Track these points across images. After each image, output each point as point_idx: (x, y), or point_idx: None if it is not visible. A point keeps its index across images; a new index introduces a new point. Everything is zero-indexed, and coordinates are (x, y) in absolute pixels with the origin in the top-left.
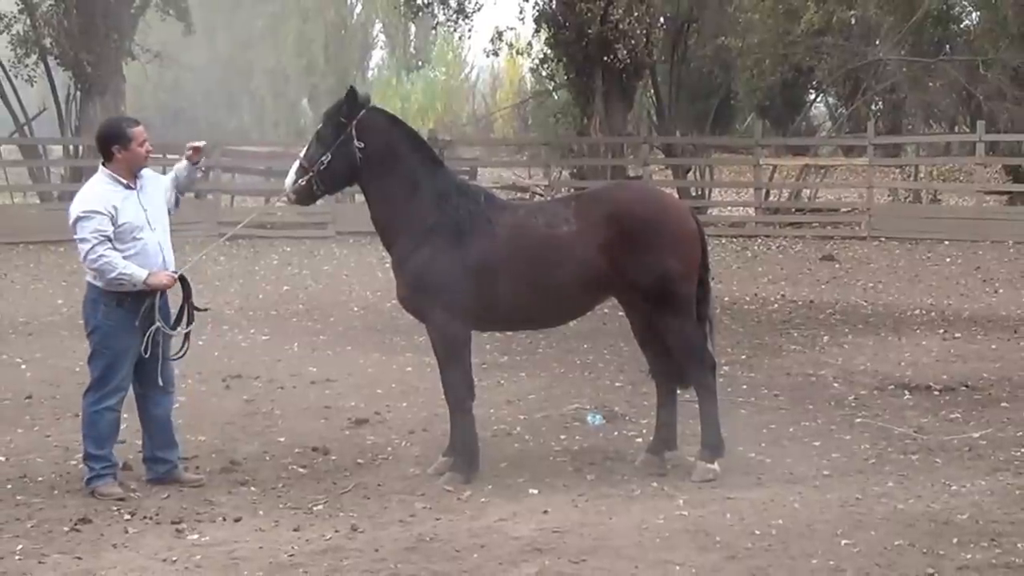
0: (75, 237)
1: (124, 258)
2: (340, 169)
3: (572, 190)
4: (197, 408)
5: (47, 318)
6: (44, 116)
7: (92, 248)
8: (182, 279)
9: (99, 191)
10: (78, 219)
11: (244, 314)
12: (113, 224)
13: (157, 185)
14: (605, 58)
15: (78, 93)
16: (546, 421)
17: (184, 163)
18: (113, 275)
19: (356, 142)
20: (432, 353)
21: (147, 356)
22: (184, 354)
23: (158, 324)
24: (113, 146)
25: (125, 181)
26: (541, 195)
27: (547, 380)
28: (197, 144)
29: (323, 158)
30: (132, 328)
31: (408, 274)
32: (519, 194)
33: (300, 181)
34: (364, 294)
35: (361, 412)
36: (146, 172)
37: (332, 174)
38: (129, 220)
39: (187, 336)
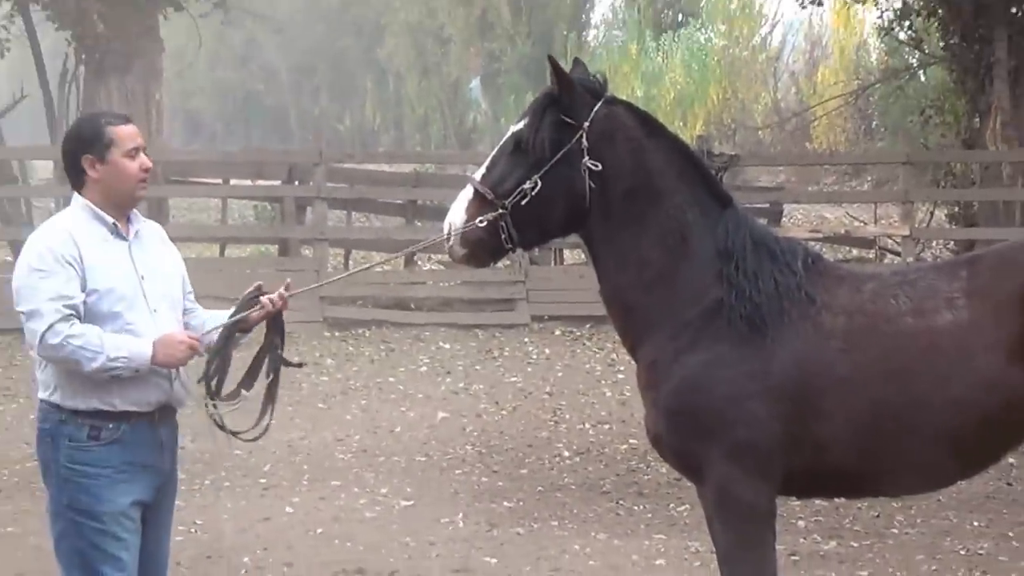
0: (19, 310)
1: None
2: (554, 206)
3: (952, 245)
4: None
5: (25, 464)
6: (22, 109)
7: (51, 328)
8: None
9: (64, 230)
10: (28, 277)
11: (370, 461)
12: (83, 287)
13: (163, 244)
14: (1014, 9)
15: (81, 69)
16: None
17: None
18: (97, 364)
19: (587, 160)
20: (704, 534)
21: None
22: (263, 433)
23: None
24: (84, 156)
25: (110, 219)
26: (897, 254)
27: None
28: (279, 294)
29: (525, 184)
30: (128, 472)
31: (668, 394)
32: (858, 251)
33: (479, 223)
34: (581, 427)
35: None
36: (148, 221)
37: (539, 214)
38: (112, 285)
39: (269, 399)
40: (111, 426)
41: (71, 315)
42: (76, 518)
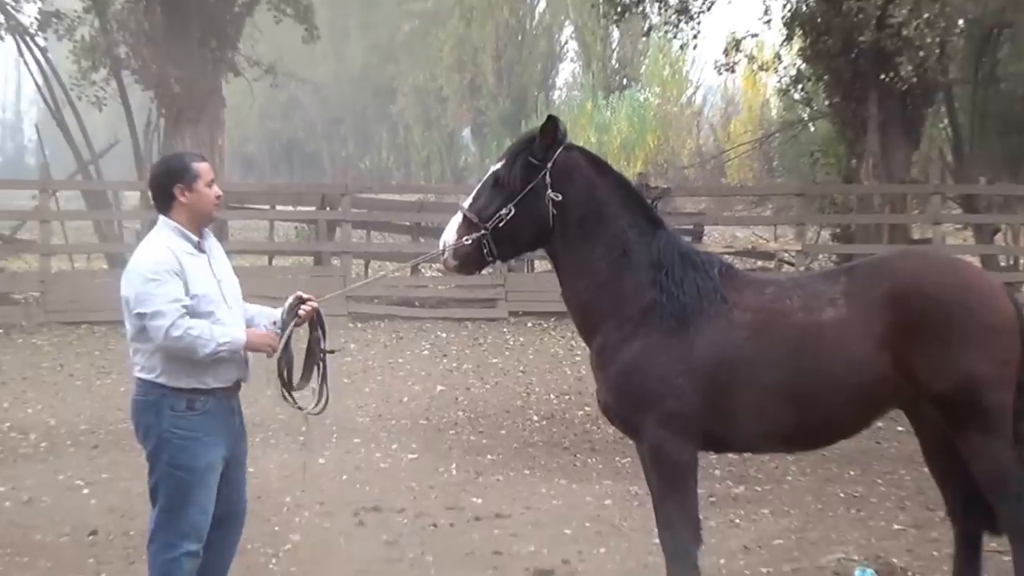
0: (140, 311)
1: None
2: (525, 227)
3: (835, 258)
4: (319, 552)
5: (118, 425)
6: (116, 151)
7: (174, 323)
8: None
9: (165, 247)
10: (144, 285)
11: (383, 423)
12: (186, 292)
13: (223, 255)
14: (883, 76)
15: (161, 120)
16: None
17: (271, 316)
18: (208, 349)
19: (551, 192)
20: (641, 480)
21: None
22: (325, 407)
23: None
24: (175, 185)
25: (195, 237)
26: (792, 264)
27: (799, 520)
28: (311, 304)
29: (502, 211)
30: (214, 435)
31: (614, 373)
32: (761, 263)
33: (465, 241)
34: (547, 397)
35: (544, 560)
36: (212, 237)
37: (513, 234)
38: (204, 290)
39: (323, 380)
40: (202, 399)
41: (186, 313)
42: (173, 471)
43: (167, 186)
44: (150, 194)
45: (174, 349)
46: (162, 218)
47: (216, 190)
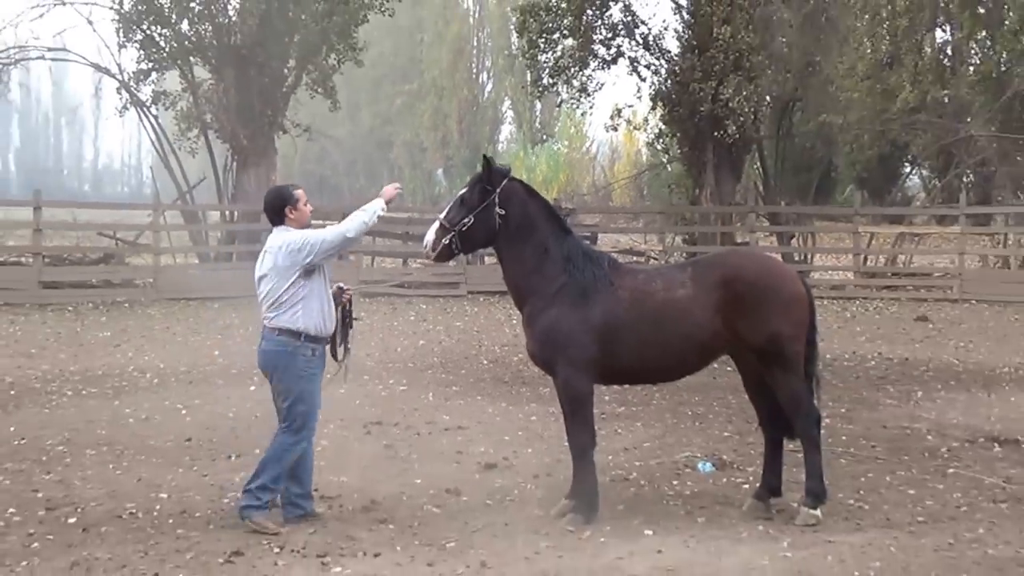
0: (311, 254)
1: (306, 295)
2: (480, 232)
3: (684, 255)
4: (340, 452)
5: (205, 367)
6: (203, 184)
7: (337, 231)
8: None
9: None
10: (300, 242)
11: (383, 366)
12: None
13: None
14: (716, 133)
15: (234, 163)
16: (660, 468)
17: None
18: (373, 218)
19: (498, 208)
20: (556, 403)
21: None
22: (345, 357)
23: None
24: (286, 207)
25: None
26: (656, 259)
27: (661, 430)
28: (350, 292)
29: (465, 220)
30: (321, 369)
31: (538, 331)
32: (635, 258)
33: (443, 240)
34: (493, 348)
35: (490, 457)
36: None
37: (472, 236)
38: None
39: (345, 341)
40: (317, 347)
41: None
42: (306, 396)
43: (280, 208)
44: (265, 213)
45: (357, 239)
46: (278, 227)
47: (310, 207)
